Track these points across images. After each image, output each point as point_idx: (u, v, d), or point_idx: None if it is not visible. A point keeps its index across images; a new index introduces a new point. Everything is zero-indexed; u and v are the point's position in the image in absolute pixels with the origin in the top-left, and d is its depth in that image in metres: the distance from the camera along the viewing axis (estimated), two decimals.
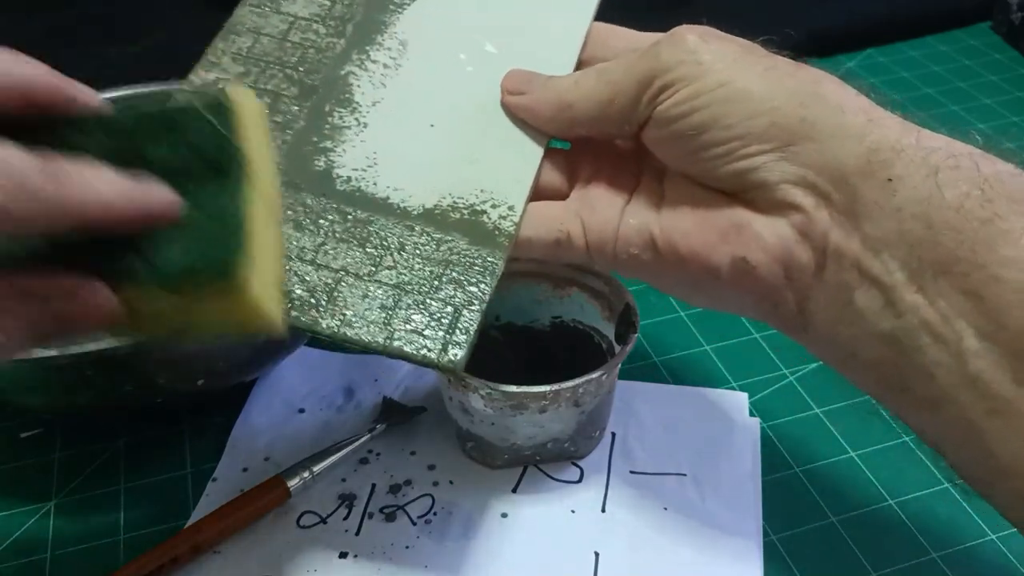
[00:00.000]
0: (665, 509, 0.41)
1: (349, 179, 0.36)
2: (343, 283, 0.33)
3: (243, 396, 0.47)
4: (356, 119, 0.37)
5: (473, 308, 0.33)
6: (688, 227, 0.32)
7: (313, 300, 0.32)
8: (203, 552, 0.39)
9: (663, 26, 0.34)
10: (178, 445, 0.45)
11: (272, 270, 0.30)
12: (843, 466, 0.44)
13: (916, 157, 0.29)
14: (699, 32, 0.32)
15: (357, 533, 0.40)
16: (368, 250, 0.34)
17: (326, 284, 0.33)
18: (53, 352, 0.37)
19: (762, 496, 0.42)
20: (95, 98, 0.29)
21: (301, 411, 0.46)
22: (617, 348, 0.42)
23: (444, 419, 0.44)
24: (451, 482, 0.43)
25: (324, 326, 0.32)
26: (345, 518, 0.41)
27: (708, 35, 0.32)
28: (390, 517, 0.41)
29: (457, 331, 0.32)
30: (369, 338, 0.32)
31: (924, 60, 0.77)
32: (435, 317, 0.33)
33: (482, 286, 0.34)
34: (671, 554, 0.39)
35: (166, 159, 0.28)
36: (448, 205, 0.35)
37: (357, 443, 0.43)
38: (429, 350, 0.32)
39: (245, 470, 0.43)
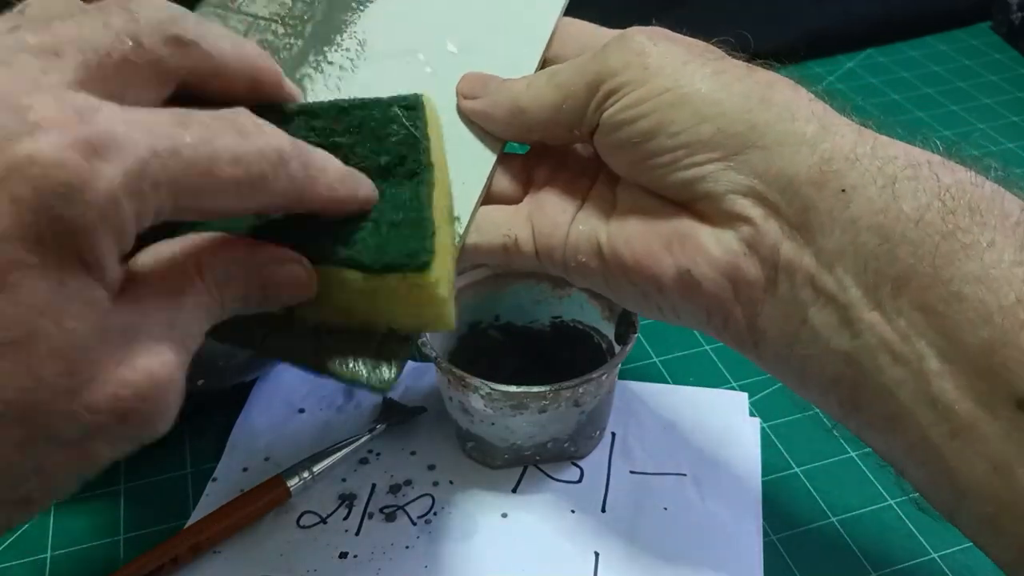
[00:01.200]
0: (665, 509, 0.41)
1: None
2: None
3: (243, 396, 0.47)
4: None
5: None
6: (633, 235, 0.31)
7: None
8: (203, 552, 0.39)
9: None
10: (178, 445, 0.45)
11: (448, 268, 0.30)
12: (843, 466, 0.44)
13: (872, 167, 0.28)
14: (648, 33, 0.31)
15: (357, 533, 0.40)
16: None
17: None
18: None
19: (762, 496, 0.42)
20: (297, 90, 0.30)
21: (301, 411, 0.46)
22: (617, 348, 0.42)
23: (444, 419, 0.44)
24: (451, 482, 0.43)
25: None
26: (345, 518, 0.41)
27: (657, 36, 0.31)
28: (390, 517, 0.41)
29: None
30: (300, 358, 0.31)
31: (924, 60, 0.77)
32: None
33: None
34: (671, 554, 0.39)
35: (363, 151, 0.29)
36: None
37: (357, 443, 0.43)
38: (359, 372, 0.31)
39: (245, 470, 0.43)
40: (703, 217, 0.30)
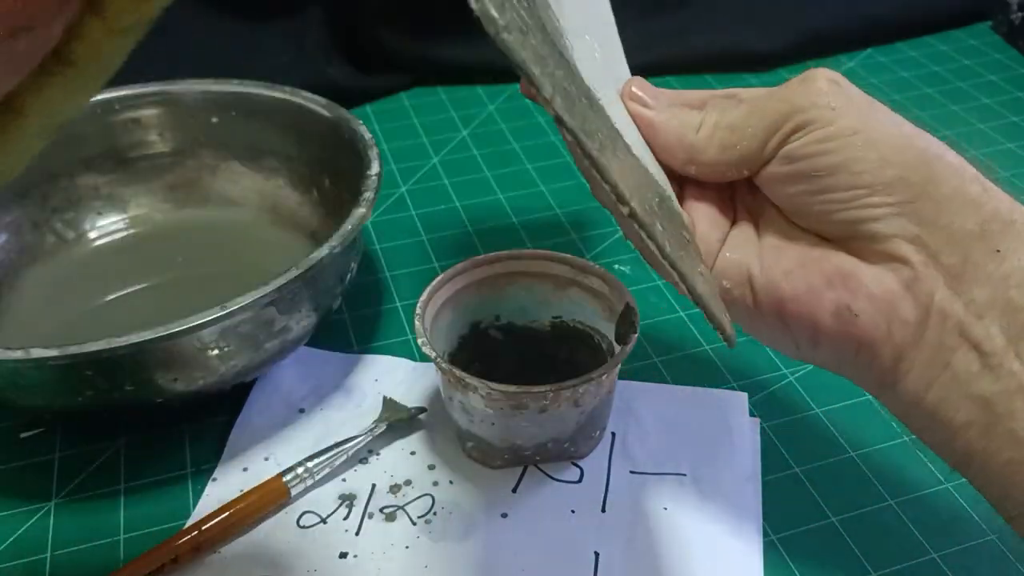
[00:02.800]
0: (665, 509, 0.41)
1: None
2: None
3: (243, 396, 0.47)
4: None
5: None
6: (791, 268, 0.32)
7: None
8: (203, 552, 0.39)
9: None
10: (178, 445, 0.45)
11: None
12: (843, 466, 0.44)
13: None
14: (829, 77, 0.32)
15: (357, 533, 0.40)
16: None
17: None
18: (53, 352, 0.37)
19: (762, 496, 0.42)
20: None
21: (301, 411, 0.46)
22: (617, 348, 0.42)
23: (444, 419, 0.44)
24: (451, 482, 0.43)
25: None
26: (345, 518, 0.41)
27: (839, 81, 0.32)
28: (390, 517, 0.41)
29: None
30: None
31: (924, 60, 0.77)
32: None
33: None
34: (671, 554, 0.39)
35: None
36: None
37: (357, 443, 0.43)
38: None
39: (245, 470, 0.43)
40: (859, 255, 0.31)
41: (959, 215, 0.30)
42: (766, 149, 0.32)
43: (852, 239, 0.31)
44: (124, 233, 0.56)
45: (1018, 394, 0.29)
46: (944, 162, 0.31)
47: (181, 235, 0.56)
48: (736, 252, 0.33)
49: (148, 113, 0.56)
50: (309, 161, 0.55)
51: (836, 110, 0.31)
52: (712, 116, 0.33)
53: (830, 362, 0.33)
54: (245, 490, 0.41)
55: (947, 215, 0.30)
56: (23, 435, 0.46)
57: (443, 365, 0.39)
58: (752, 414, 0.46)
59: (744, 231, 0.34)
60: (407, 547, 0.40)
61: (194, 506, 0.42)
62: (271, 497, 0.41)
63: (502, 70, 0.68)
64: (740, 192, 0.35)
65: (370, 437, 0.44)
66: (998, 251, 0.30)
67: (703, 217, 0.34)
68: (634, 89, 0.35)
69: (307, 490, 0.42)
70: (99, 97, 0.53)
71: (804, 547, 0.40)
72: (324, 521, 0.41)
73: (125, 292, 0.52)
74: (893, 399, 0.32)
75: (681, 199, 0.35)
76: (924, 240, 0.30)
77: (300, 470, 0.42)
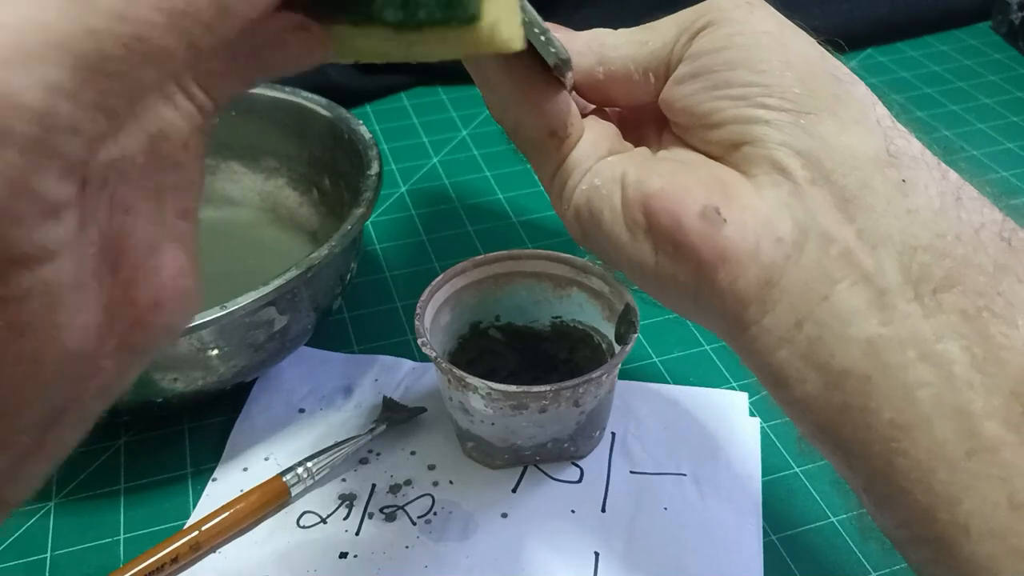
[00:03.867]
0: (665, 509, 0.41)
1: None
2: None
3: (243, 396, 0.47)
4: None
5: None
6: (665, 172, 0.29)
7: None
8: (203, 552, 0.39)
9: None
10: (178, 445, 0.45)
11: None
12: None
13: (936, 173, 0.27)
14: None
15: (357, 533, 0.40)
16: None
17: None
18: None
19: (762, 496, 0.42)
20: None
21: (301, 411, 0.46)
22: (617, 348, 0.42)
23: (444, 419, 0.44)
24: (451, 482, 0.43)
25: None
26: (345, 518, 0.41)
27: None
28: (390, 517, 0.41)
29: None
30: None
31: (924, 60, 0.77)
32: None
33: None
34: (671, 554, 0.39)
35: None
36: None
37: (357, 443, 0.43)
38: None
39: (245, 470, 0.43)
40: (742, 170, 0.28)
41: (863, 138, 0.27)
42: (675, 47, 0.30)
43: (737, 147, 0.28)
44: None
45: (910, 343, 0.25)
46: (856, 90, 0.28)
47: None
48: (620, 159, 0.31)
49: None
50: (309, 161, 0.55)
51: (752, 10, 0.29)
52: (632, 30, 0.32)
53: (688, 283, 0.28)
54: (245, 490, 0.41)
55: (849, 136, 0.27)
56: None
57: (443, 365, 0.39)
58: (752, 414, 0.46)
59: (638, 154, 0.32)
60: (407, 547, 0.40)
61: (194, 506, 0.42)
62: (271, 497, 0.41)
63: None
64: (646, 131, 0.33)
65: (370, 437, 0.44)
66: (904, 181, 0.26)
67: (601, 130, 0.32)
68: None
69: (307, 490, 0.42)
70: None
71: (804, 547, 0.40)
72: (324, 521, 0.41)
73: None
74: (754, 341, 0.28)
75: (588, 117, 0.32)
76: (816, 155, 0.27)
77: (300, 470, 0.42)
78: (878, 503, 0.27)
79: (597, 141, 0.31)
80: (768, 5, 0.30)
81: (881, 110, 0.29)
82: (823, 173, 0.27)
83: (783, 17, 0.30)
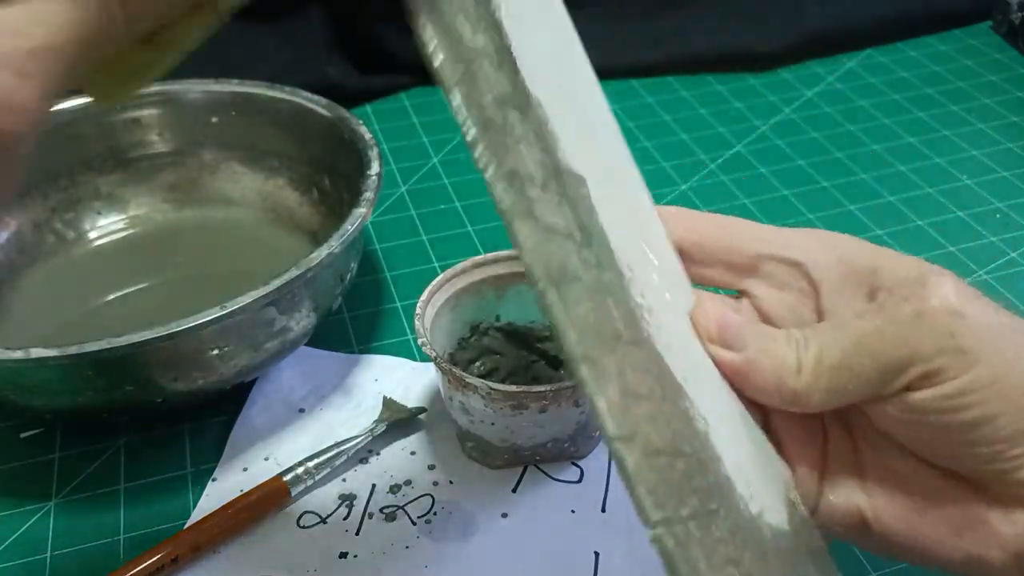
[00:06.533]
0: None
1: None
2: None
3: (243, 396, 0.47)
4: None
5: None
6: (912, 516, 0.29)
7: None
8: (203, 552, 0.39)
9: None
10: (178, 445, 0.45)
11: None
12: None
13: None
14: (950, 308, 0.27)
15: (357, 533, 0.40)
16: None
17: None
18: (53, 352, 0.37)
19: None
20: None
21: (301, 411, 0.46)
22: None
23: (444, 419, 0.44)
24: (451, 482, 0.43)
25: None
26: (345, 518, 0.41)
27: (962, 311, 0.27)
28: (390, 517, 0.41)
29: None
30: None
31: (924, 60, 0.77)
32: None
33: None
34: None
35: None
36: None
37: (357, 443, 0.43)
38: None
39: (245, 470, 0.43)
40: (988, 495, 0.28)
41: None
42: (882, 392, 0.28)
43: (988, 482, 0.28)
44: (124, 233, 0.56)
45: None
46: None
47: (181, 235, 0.56)
48: (840, 493, 0.30)
49: (148, 113, 0.56)
50: (309, 161, 0.55)
51: (968, 354, 0.27)
52: (812, 351, 0.28)
53: None
54: (245, 490, 0.41)
55: None
56: (23, 435, 0.46)
57: (443, 365, 0.39)
58: None
59: (843, 456, 0.30)
60: (407, 547, 0.40)
61: (194, 506, 0.42)
62: (271, 497, 0.41)
63: None
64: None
65: (370, 437, 0.44)
66: None
67: (796, 454, 0.30)
68: (707, 326, 0.29)
69: (307, 490, 0.42)
70: None
71: None
72: (324, 521, 0.41)
73: (125, 292, 0.52)
74: None
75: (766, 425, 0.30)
76: None
77: (300, 470, 0.42)
78: None
79: (806, 476, 0.30)
80: (969, 316, 0.27)
81: None
82: None
83: (990, 327, 0.27)
